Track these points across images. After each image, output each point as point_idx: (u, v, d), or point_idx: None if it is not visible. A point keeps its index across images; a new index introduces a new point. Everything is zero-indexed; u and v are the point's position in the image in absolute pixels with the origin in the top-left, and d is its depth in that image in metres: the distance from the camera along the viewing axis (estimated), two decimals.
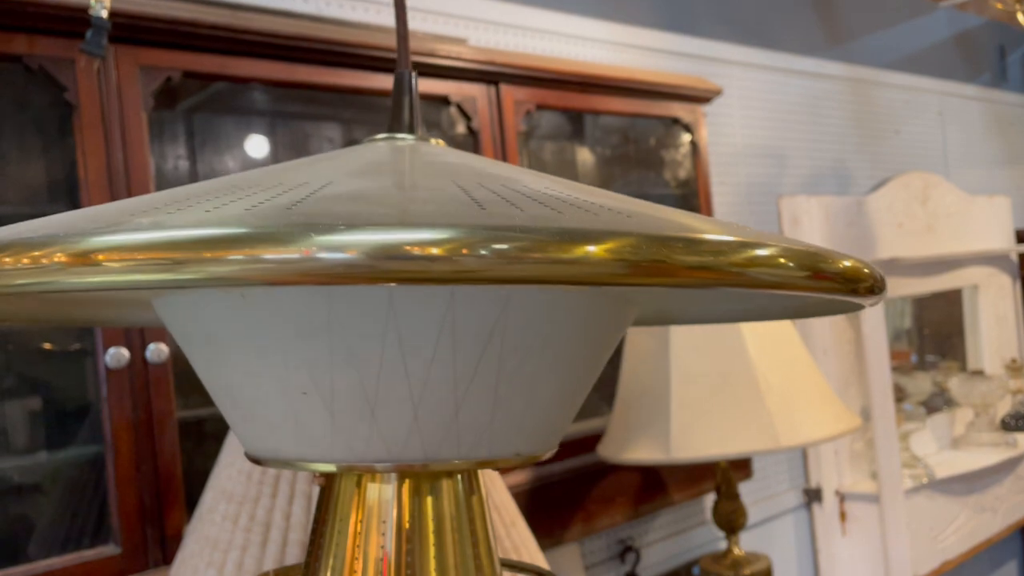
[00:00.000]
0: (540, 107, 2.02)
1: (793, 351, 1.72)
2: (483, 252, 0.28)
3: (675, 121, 2.32)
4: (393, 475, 0.43)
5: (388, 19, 1.97)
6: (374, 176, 0.39)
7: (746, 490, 2.55)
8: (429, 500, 0.43)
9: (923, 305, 3.49)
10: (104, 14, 1.00)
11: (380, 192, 0.36)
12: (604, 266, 0.29)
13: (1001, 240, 3.49)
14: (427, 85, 1.76)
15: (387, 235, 0.28)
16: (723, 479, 1.90)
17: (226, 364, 0.40)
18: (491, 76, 1.87)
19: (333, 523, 0.44)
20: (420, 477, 0.43)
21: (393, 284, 0.28)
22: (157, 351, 1.33)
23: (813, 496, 2.88)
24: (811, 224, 2.79)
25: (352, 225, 0.28)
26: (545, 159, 2.19)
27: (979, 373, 3.34)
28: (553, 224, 0.30)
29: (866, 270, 0.37)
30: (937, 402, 3.35)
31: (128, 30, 1.29)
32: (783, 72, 2.94)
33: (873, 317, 2.82)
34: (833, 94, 3.14)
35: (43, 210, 1.29)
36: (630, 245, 0.29)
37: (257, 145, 1.64)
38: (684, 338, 1.69)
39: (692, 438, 1.55)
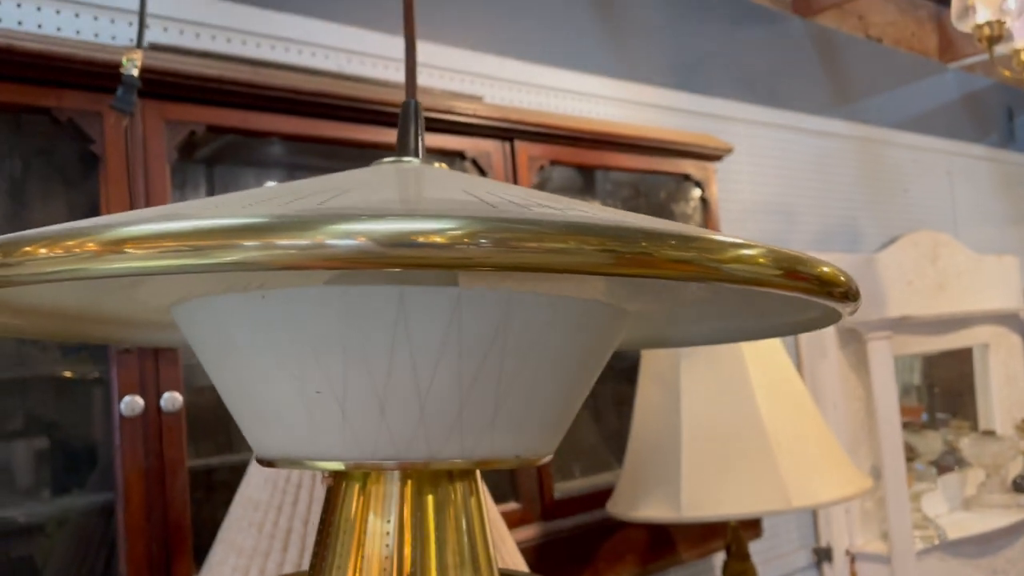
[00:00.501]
0: (553, 163, 2.05)
1: (803, 407, 1.72)
2: (483, 241, 0.29)
3: (686, 177, 2.34)
4: (397, 475, 0.44)
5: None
6: (384, 187, 0.41)
7: (756, 549, 2.52)
8: (431, 499, 0.44)
9: (933, 363, 3.48)
10: (135, 72, 1.03)
11: (390, 195, 0.38)
12: (597, 256, 0.31)
13: (1010, 299, 3.49)
14: (444, 141, 1.79)
15: (396, 224, 0.29)
16: (733, 538, 1.88)
17: (244, 367, 0.42)
18: (506, 133, 1.91)
19: (339, 523, 0.45)
20: (423, 477, 0.44)
21: (399, 270, 0.30)
22: (172, 400, 1.34)
23: (823, 556, 2.84)
24: None
25: (363, 214, 0.30)
26: None
27: (990, 433, 3.31)
28: (557, 219, 0.32)
29: (842, 277, 0.39)
30: (948, 461, 3.32)
31: (156, 85, 1.33)
32: (791, 130, 2.97)
33: (883, 374, 2.81)
34: (842, 152, 3.17)
35: None
36: (623, 234, 0.31)
37: None
38: (695, 393, 1.69)
39: (703, 497, 1.55)
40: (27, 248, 0.31)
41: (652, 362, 1.83)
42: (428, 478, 0.44)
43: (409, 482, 0.44)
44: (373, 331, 0.38)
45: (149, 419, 1.34)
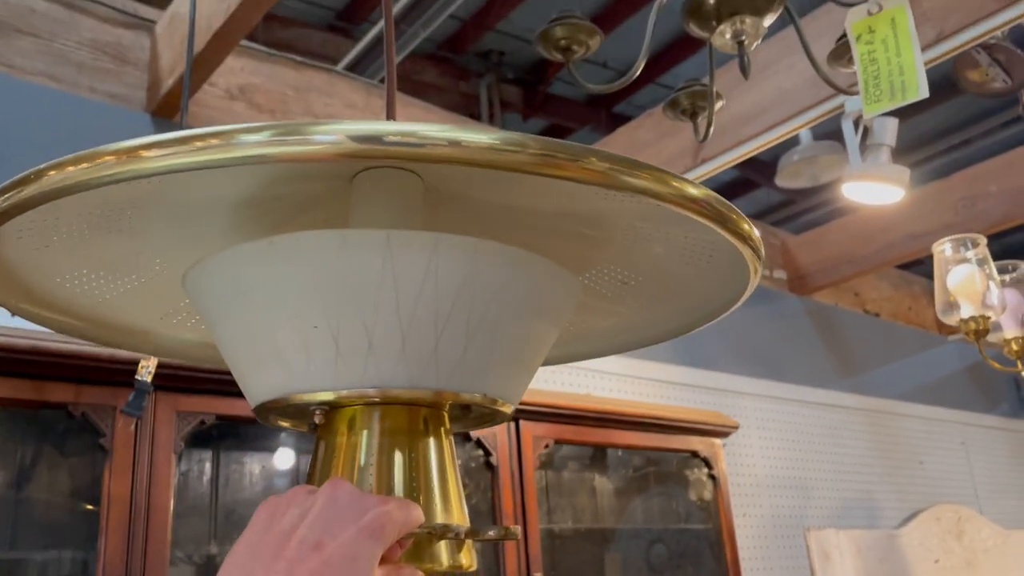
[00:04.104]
0: (559, 442, 2.06)
1: None
2: (433, 139, 0.38)
3: (694, 454, 2.34)
4: (377, 414, 0.49)
5: None
6: None
7: None
8: (405, 433, 0.49)
9: None
10: (148, 378, 1.09)
11: None
12: (526, 157, 0.39)
13: None
14: None
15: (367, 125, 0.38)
16: None
17: (250, 311, 0.48)
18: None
19: (327, 456, 0.49)
20: (400, 415, 0.49)
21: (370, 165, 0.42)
22: None
23: None
24: (842, 559, 2.68)
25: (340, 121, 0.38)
26: (563, 484, 2.19)
27: None
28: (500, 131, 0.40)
29: (746, 225, 0.47)
30: None
31: (170, 379, 1.38)
32: (798, 403, 3.00)
33: None
34: (852, 424, 3.17)
35: (58, 555, 1.30)
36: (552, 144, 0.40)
37: (284, 457, 1.67)
38: None
39: None
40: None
41: None
42: (405, 416, 0.50)
43: (388, 419, 0.49)
44: (365, 270, 0.45)
45: None
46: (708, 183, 2.21)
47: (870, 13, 0.96)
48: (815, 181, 3.15)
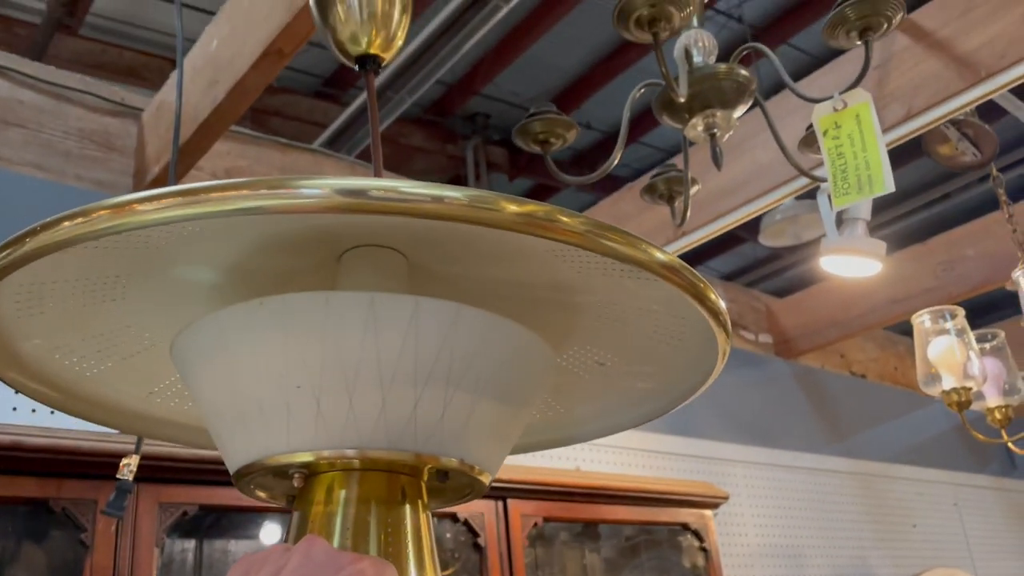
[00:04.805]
0: (547, 519, 2.04)
1: None
2: (415, 195, 0.40)
3: (684, 527, 2.32)
4: (355, 480, 0.50)
5: None
6: None
7: None
8: (384, 501, 0.50)
9: None
10: (130, 477, 1.08)
11: None
12: (509, 214, 0.40)
13: None
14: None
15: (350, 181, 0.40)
16: None
17: (235, 371, 0.49)
18: (498, 492, 1.92)
19: (302, 523, 0.50)
20: (379, 482, 0.50)
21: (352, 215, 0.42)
22: None
23: None
24: None
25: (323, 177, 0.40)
26: (553, 559, 2.16)
27: None
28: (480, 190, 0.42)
29: (718, 299, 0.48)
30: None
31: (152, 470, 1.37)
32: (788, 469, 2.99)
33: None
34: (843, 489, 3.16)
35: None
36: (536, 208, 0.42)
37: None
38: None
39: None
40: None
41: None
42: (383, 484, 0.50)
43: (366, 487, 0.50)
44: (348, 330, 0.47)
45: None
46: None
47: (835, 109, 1.00)
48: (798, 239, 3.19)
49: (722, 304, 0.50)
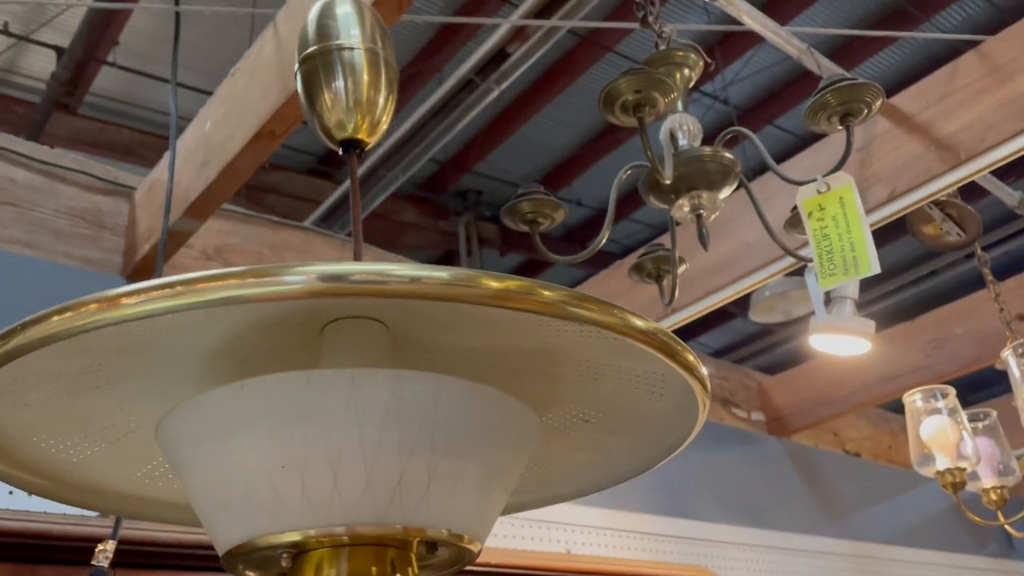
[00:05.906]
0: None
1: None
2: (394, 277, 0.42)
3: None
4: (344, 556, 0.49)
5: None
6: None
7: None
8: (373, 574, 0.49)
9: None
10: (106, 563, 1.05)
11: None
12: (481, 291, 0.42)
13: None
14: None
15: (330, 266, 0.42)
16: None
17: (220, 454, 0.49)
18: None
19: None
20: (368, 557, 0.49)
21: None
22: None
23: None
24: None
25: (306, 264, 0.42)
26: None
27: None
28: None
29: (696, 358, 0.50)
30: None
31: (130, 555, 1.33)
32: (783, 551, 2.93)
33: None
34: (840, 571, 3.09)
35: None
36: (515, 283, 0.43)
37: None
38: None
39: None
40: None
41: None
42: (371, 559, 0.50)
43: (355, 562, 0.49)
44: (330, 408, 0.47)
45: None
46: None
47: (819, 192, 1.01)
48: (788, 316, 3.20)
49: (702, 368, 0.52)
